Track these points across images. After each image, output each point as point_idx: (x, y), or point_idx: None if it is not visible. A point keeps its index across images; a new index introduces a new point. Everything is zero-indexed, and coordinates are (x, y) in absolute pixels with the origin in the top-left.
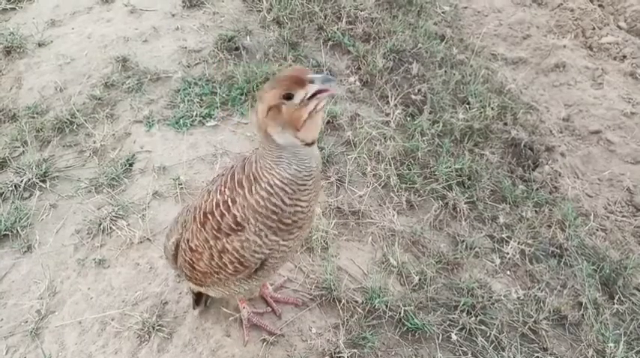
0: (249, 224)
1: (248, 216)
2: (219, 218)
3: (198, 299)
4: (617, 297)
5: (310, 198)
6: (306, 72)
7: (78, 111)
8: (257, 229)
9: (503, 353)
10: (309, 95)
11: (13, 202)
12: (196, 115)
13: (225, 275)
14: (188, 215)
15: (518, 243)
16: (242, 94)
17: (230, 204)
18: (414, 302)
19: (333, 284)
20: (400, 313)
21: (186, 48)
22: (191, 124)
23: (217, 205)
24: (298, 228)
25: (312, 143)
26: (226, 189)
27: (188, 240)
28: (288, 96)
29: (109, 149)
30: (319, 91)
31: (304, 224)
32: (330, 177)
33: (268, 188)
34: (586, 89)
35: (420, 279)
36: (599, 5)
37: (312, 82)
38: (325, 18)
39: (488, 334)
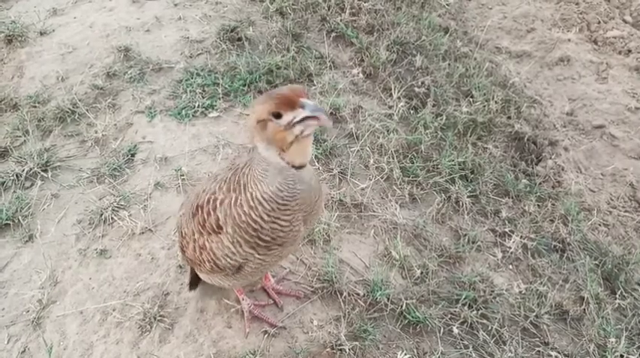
0: (226, 230)
1: (228, 222)
2: (205, 215)
3: (195, 280)
4: (619, 292)
5: (294, 218)
6: (301, 94)
7: (80, 100)
8: (233, 239)
9: (505, 347)
10: (297, 119)
11: (14, 192)
12: (198, 106)
13: (205, 270)
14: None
15: (521, 237)
16: (244, 85)
17: (218, 204)
18: (416, 296)
19: (335, 277)
20: (402, 306)
21: (188, 38)
22: (193, 115)
23: (208, 201)
24: (278, 245)
25: (301, 167)
26: (222, 188)
27: (181, 226)
28: (277, 115)
29: (111, 139)
30: (308, 118)
31: (285, 242)
32: (332, 169)
33: (250, 201)
34: (590, 83)
35: (421, 273)
36: None
37: (302, 106)
38: (329, 9)
39: (489, 328)
